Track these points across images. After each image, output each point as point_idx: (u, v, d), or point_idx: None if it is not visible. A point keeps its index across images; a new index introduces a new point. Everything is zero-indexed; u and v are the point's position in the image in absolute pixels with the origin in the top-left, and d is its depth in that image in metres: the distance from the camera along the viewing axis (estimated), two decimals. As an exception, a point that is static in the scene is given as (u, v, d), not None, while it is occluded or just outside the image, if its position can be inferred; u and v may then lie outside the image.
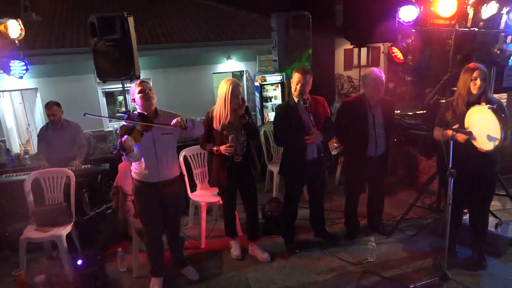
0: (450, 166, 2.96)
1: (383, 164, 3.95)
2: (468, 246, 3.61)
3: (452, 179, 2.98)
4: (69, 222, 3.78)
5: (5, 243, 4.19)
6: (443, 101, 4.42)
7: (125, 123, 2.91)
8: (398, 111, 6.35)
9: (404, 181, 5.55)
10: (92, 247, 3.76)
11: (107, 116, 2.99)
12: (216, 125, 3.47)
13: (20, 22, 3.88)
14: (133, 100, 3.11)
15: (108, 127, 10.47)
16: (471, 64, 3.18)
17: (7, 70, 3.99)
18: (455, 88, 3.37)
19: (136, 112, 3.08)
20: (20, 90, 10.30)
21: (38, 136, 4.96)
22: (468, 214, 3.65)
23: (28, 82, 9.45)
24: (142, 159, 3.12)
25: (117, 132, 2.95)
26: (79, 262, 3.41)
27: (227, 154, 3.42)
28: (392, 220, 4.35)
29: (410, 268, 3.52)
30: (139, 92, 3.04)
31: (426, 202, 4.67)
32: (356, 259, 3.69)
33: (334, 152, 5.14)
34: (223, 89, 3.41)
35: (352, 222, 4.16)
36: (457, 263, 3.48)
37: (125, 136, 2.73)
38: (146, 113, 3.04)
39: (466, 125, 3.08)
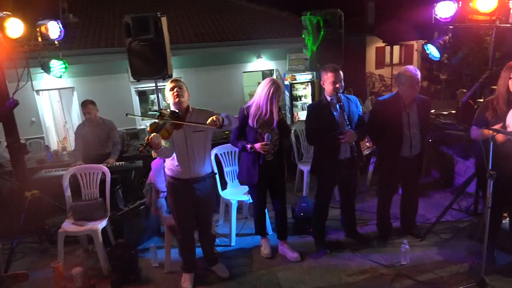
0: (490, 167, 2.85)
1: (418, 165, 3.85)
2: (508, 252, 3.47)
3: (492, 181, 2.86)
4: (104, 217, 3.89)
5: (44, 236, 4.36)
6: (481, 100, 4.27)
7: (156, 121, 2.97)
8: (433, 111, 6.18)
9: (440, 182, 5.39)
10: (126, 242, 3.84)
11: (146, 115, 3.07)
12: (252, 122, 3.48)
13: (60, 24, 4.02)
14: (167, 98, 3.18)
15: (140, 125, 10.70)
16: (512, 62, 3.05)
17: (48, 69, 4.15)
18: (495, 87, 3.25)
19: (168, 110, 3.14)
20: (58, 89, 10.69)
21: (75, 133, 5.15)
22: (508, 218, 3.50)
23: (66, 81, 9.78)
24: (175, 156, 3.17)
25: (147, 129, 3.02)
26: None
27: (262, 152, 3.42)
28: (427, 223, 4.23)
29: (446, 272, 3.41)
30: (170, 90, 3.13)
31: (462, 204, 4.52)
32: (389, 262, 3.61)
33: (365, 152, 5.05)
34: (266, 88, 3.40)
35: (385, 223, 4.08)
36: (495, 269, 3.34)
37: (152, 134, 2.77)
38: (177, 111, 3.09)
39: (507, 124, 2.95)
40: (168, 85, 3.15)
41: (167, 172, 3.31)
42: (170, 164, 3.25)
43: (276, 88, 3.40)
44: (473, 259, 3.35)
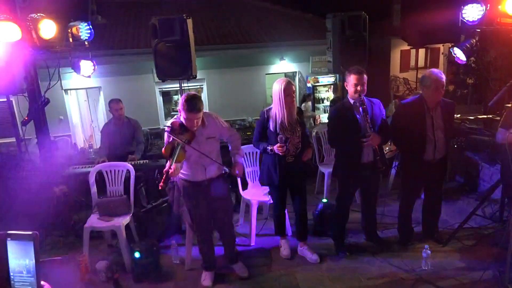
0: (516, 173, 2.79)
1: (442, 169, 3.80)
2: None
3: (518, 188, 2.81)
4: (128, 213, 3.99)
5: (71, 230, 4.51)
6: (509, 105, 4.17)
7: (169, 141, 2.95)
8: (459, 115, 6.06)
9: (464, 188, 5.29)
10: (149, 238, 3.94)
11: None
12: (273, 125, 3.52)
13: (90, 25, 4.15)
14: (179, 110, 3.06)
15: (164, 125, 10.91)
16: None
17: (77, 69, 4.29)
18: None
19: (178, 121, 3.08)
20: (86, 88, 11.00)
21: (102, 131, 5.28)
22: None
23: (93, 81, 10.05)
24: (187, 161, 3.19)
25: (162, 151, 2.94)
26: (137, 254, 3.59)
27: (280, 153, 3.46)
28: (449, 229, 4.15)
29: (468, 279, 3.35)
30: (185, 118, 2.99)
31: (487, 211, 4.42)
32: (409, 267, 3.58)
33: (388, 156, 5.00)
34: (275, 88, 3.46)
35: (406, 228, 4.03)
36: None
37: (174, 166, 2.78)
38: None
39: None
40: (185, 107, 2.94)
41: (181, 175, 3.33)
42: (183, 168, 3.29)
43: (285, 87, 3.41)
44: (497, 266, 3.28)
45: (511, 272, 3.04)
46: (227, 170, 3.18)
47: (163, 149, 2.96)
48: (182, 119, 3.05)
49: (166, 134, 3.08)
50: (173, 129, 2.98)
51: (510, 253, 2.97)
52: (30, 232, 1.82)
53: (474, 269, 3.46)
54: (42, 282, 1.92)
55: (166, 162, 2.90)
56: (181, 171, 3.30)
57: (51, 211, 4.12)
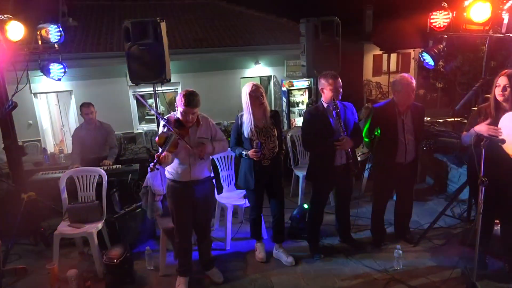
0: (482, 174, 2.89)
1: (412, 171, 3.90)
2: (499, 258, 3.51)
3: (484, 188, 2.91)
4: (100, 220, 3.90)
5: (39, 238, 4.37)
6: (475, 108, 4.33)
7: (163, 131, 3.03)
8: (428, 118, 6.24)
9: (434, 189, 5.45)
10: (121, 245, 3.86)
11: (151, 107, 3.08)
12: (246, 130, 3.54)
13: (60, 27, 4.06)
14: (177, 106, 3.15)
15: (137, 129, 10.76)
16: (505, 71, 3.13)
17: (47, 72, 4.18)
18: (489, 95, 3.31)
19: (174, 116, 3.17)
20: (56, 92, 10.72)
21: (73, 136, 5.15)
22: (499, 225, 3.55)
23: (64, 84, 9.81)
24: (176, 160, 3.21)
25: (156, 140, 3.04)
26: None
27: (255, 158, 3.47)
28: (420, 229, 4.27)
29: (438, 277, 3.45)
30: (181, 112, 3.09)
31: (455, 211, 4.57)
32: (382, 267, 3.65)
33: (360, 158, 5.09)
34: (243, 93, 3.51)
35: (379, 229, 4.11)
36: (487, 275, 3.39)
37: (164, 153, 2.87)
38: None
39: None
40: (184, 101, 3.04)
41: (167, 175, 3.35)
42: (171, 167, 3.29)
43: (251, 90, 3.46)
44: (465, 264, 3.39)
45: (479, 269, 3.15)
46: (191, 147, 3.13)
47: (156, 138, 3.02)
48: (178, 114, 3.14)
49: (161, 125, 3.13)
50: (169, 121, 3.06)
51: (477, 251, 3.07)
52: None
53: (444, 268, 3.57)
54: None
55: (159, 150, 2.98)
56: (168, 169, 3.31)
57: (18, 218, 3.97)
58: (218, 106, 10.71)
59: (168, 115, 3.24)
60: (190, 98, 3.05)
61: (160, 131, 3.15)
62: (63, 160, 5.62)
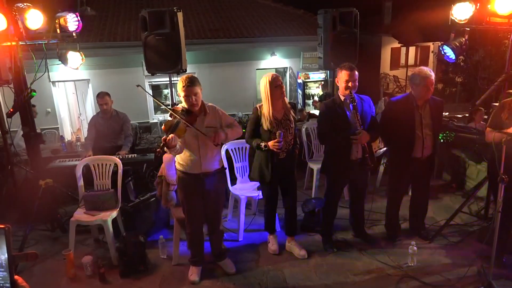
0: (501, 171, 2.82)
1: (429, 166, 3.83)
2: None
3: (503, 186, 2.84)
4: (116, 208, 3.95)
5: (56, 224, 4.45)
6: (496, 104, 4.22)
7: (170, 118, 3.01)
8: (447, 113, 6.13)
9: (451, 185, 5.35)
10: (136, 233, 3.91)
11: (154, 97, 3.08)
12: (264, 121, 3.50)
13: (78, 16, 4.08)
14: (179, 94, 3.15)
15: (153, 119, 10.85)
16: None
17: (65, 61, 4.22)
18: (511, 91, 3.22)
19: (182, 107, 3.16)
20: (74, 81, 10.86)
21: (89, 123, 5.22)
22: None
23: (81, 73, 9.92)
24: (186, 151, 3.21)
25: (162, 127, 3.02)
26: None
27: (275, 150, 3.43)
28: (435, 225, 4.20)
29: (453, 275, 3.39)
30: (184, 96, 3.08)
31: (473, 208, 4.48)
32: (396, 263, 3.61)
33: (379, 152, 5.02)
34: (262, 83, 3.45)
35: (393, 224, 4.07)
36: (504, 274, 3.32)
37: (170, 135, 2.82)
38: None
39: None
40: (182, 84, 3.05)
41: (178, 166, 3.35)
42: (181, 159, 3.29)
43: (271, 80, 3.39)
44: (482, 263, 3.33)
45: (495, 268, 3.09)
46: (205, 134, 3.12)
47: (163, 125, 2.99)
48: (183, 103, 3.12)
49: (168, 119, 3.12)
50: (175, 111, 3.05)
51: (494, 249, 3.01)
52: (2, 226, 1.77)
53: (459, 266, 3.51)
54: (15, 277, 1.88)
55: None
56: (179, 161, 3.30)
57: (36, 204, 4.05)
58: (233, 97, 10.72)
59: (175, 106, 3.24)
60: (187, 79, 3.06)
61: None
62: (80, 148, 5.70)
